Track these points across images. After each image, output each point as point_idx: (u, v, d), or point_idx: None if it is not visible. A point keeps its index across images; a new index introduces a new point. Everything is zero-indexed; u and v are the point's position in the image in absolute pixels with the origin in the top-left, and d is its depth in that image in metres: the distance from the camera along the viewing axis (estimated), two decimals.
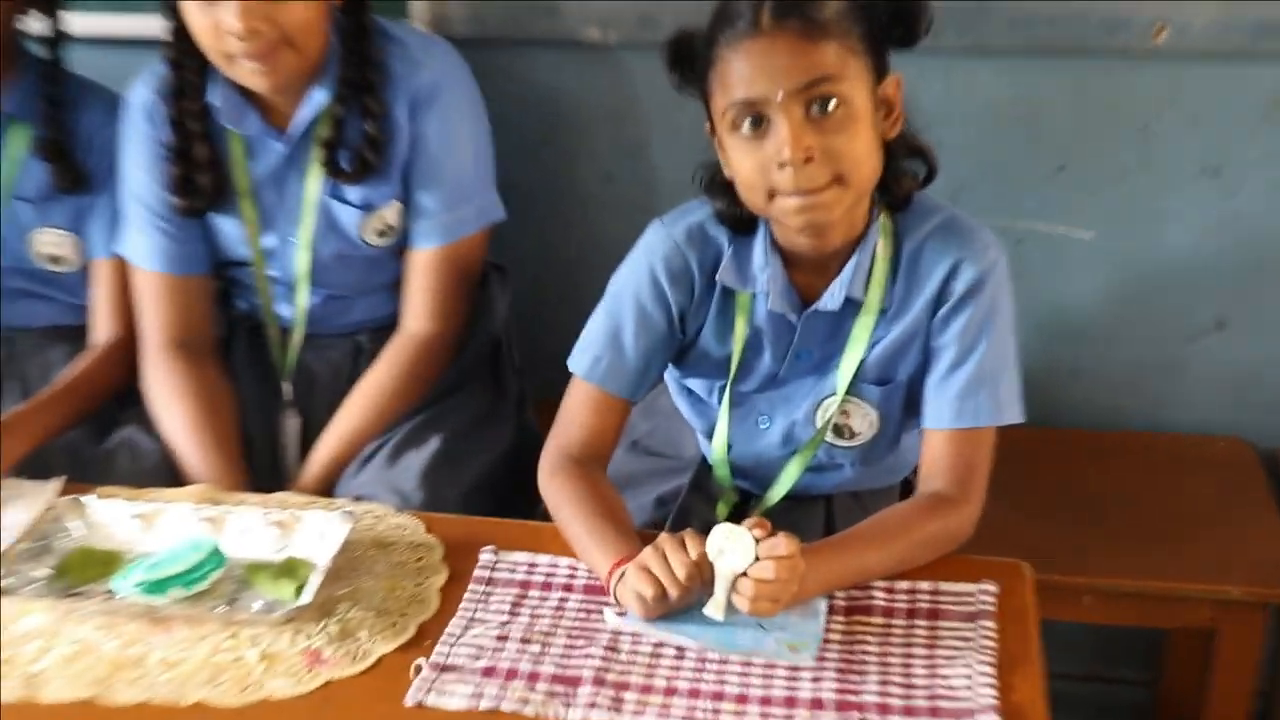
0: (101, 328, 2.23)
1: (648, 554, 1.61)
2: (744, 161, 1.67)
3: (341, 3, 2.02)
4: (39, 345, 2.28)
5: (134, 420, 2.15)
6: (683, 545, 1.60)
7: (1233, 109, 2.28)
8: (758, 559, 1.56)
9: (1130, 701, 2.74)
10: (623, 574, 1.64)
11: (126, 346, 2.22)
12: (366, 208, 2.11)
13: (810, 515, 1.97)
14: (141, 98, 2.11)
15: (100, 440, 2.15)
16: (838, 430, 1.87)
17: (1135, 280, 2.41)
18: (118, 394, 2.21)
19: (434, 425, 2.09)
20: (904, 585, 1.72)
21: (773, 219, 1.74)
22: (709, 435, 1.97)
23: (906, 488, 2.08)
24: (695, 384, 1.95)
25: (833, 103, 1.60)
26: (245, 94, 2.06)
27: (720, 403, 1.91)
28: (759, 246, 1.79)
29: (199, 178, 2.09)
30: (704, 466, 2.03)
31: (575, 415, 1.88)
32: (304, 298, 2.17)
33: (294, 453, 2.19)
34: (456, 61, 2.12)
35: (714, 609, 1.59)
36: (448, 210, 2.12)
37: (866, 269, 1.76)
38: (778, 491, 1.94)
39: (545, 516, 1.95)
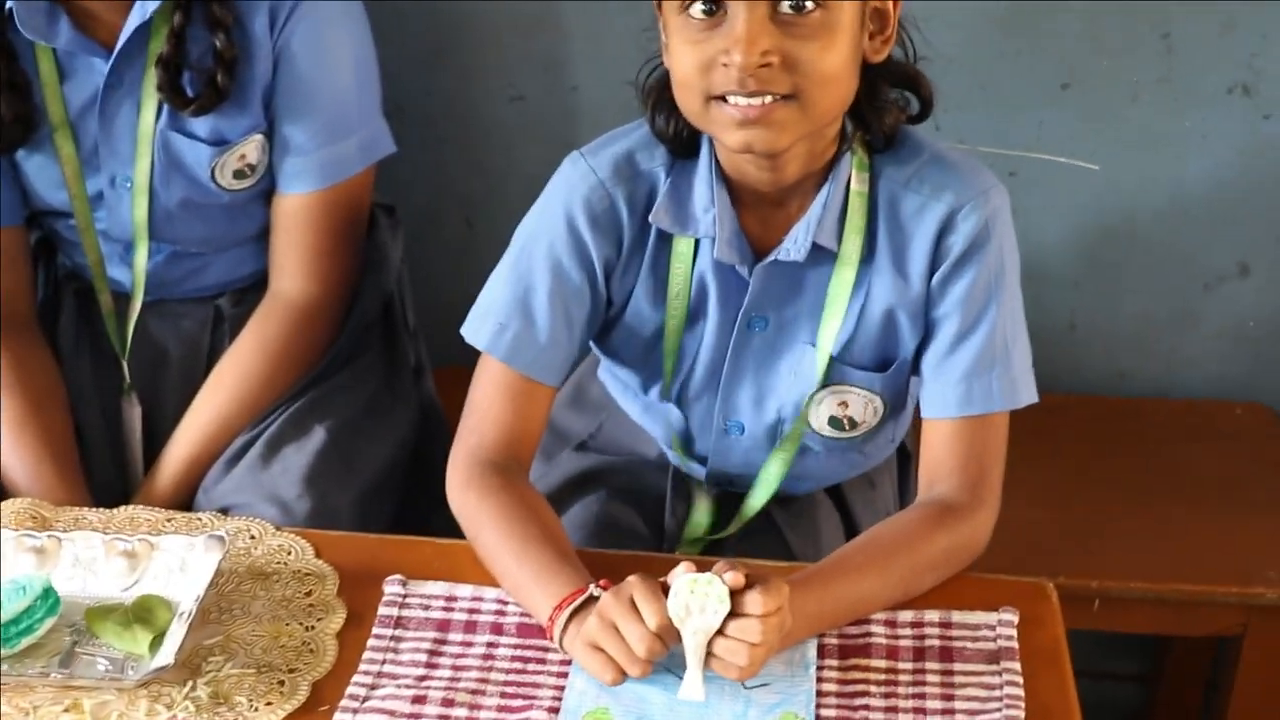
0: None
1: (595, 628, 1.43)
2: (685, 53, 1.48)
3: None
4: None
5: None
6: (635, 610, 1.41)
7: (1270, 12, 2.16)
8: (732, 614, 1.39)
9: (1121, 700, 2.69)
10: (568, 617, 1.48)
11: None
12: (219, 143, 1.91)
13: (825, 512, 1.87)
14: None
15: None
16: (836, 423, 1.72)
17: (1146, 219, 2.31)
18: None
19: (317, 412, 1.93)
20: (907, 617, 1.58)
21: (713, 137, 1.57)
22: (670, 445, 1.83)
23: (902, 452, 2.00)
24: (628, 377, 1.80)
25: (810, 3, 1.43)
26: None
27: (667, 402, 1.77)
28: (701, 179, 1.61)
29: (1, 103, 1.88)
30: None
31: (487, 408, 1.69)
32: (143, 255, 1.98)
33: (138, 450, 2.01)
34: None
35: (692, 691, 1.42)
36: (324, 145, 1.93)
37: (839, 210, 1.60)
38: (759, 498, 1.79)
39: (451, 521, 1.77)
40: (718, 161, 1.60)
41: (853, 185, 1.60)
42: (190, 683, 1.48)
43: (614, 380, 1.85)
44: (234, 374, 1.93)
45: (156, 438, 1.98)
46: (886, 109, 1.58)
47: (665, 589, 1.42)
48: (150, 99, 1.88)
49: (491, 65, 2.24)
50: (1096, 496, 2.21)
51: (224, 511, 1.78)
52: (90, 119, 1.90)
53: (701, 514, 1.84)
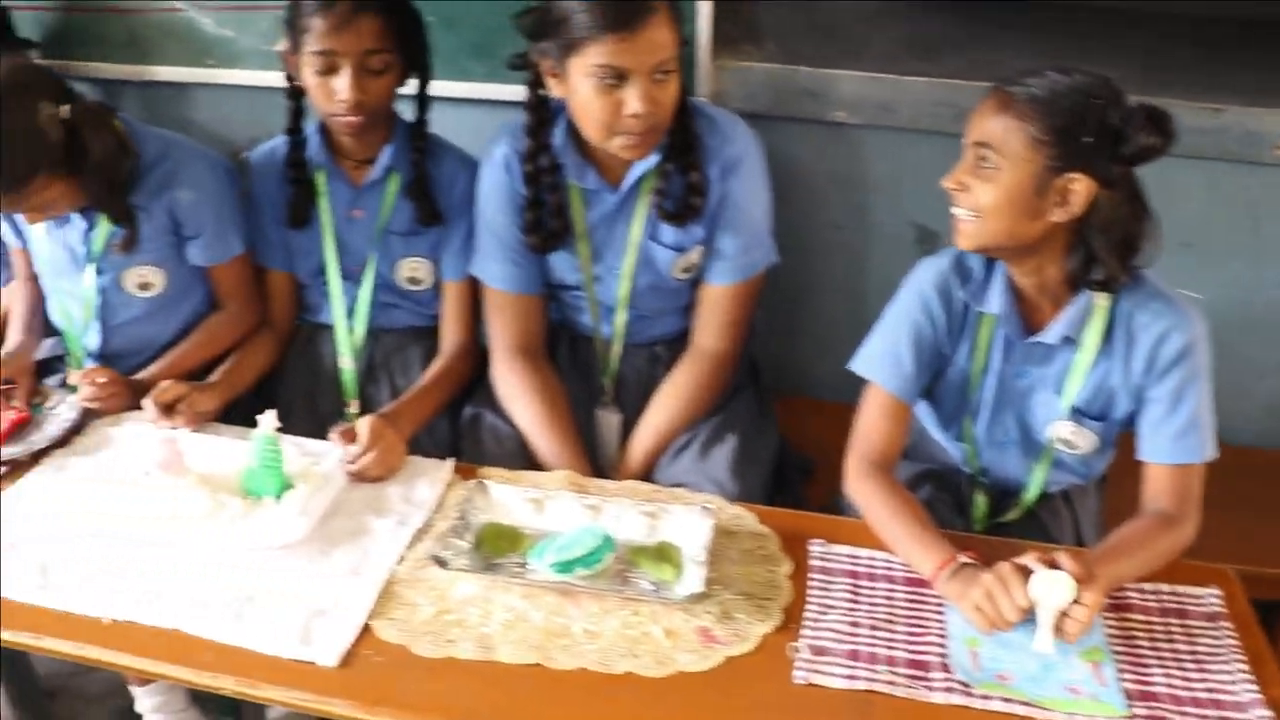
0: (451, 334, 2.02)
1: (979, 596, 1.40)
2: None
3: None
4: (400, 343, 2.06)
5: (481, 404, 1.94)
6: (1007, 590, 1.39)
7: None
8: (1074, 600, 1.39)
9: None
10: (948, 575, 1.46)
11: (471, 349, 2.02)
12: (678, 249, 1.88)
13: (1059, 508, 1.80)
14: (503, 154, 1.87)
15: (454, 420, 1.95)
16: (1066, 443, 1.69)
17: (1232, 327, 2.17)
18: (467, 385, 2.00)
19: (729, 425, 1.87)
20: (1149, 587, 1.55)
21: None
22: (964, 460, 1.78)
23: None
24: (934, 414, 1.77)
25: (987, 160, 1.48)
26: (585, 154, 1.83)
27: (962, 434, 1.74)
28: (998, 280, 1.61)
29: (549, 221, 1.86)
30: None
31: (870, 423, 1.67)
32: (622, 317, 1.94)
33: (614, 442, 1.96)
34: (753, 135, 1.88)
35: (1044, 645, 1.40)
36: (743, 254, 1.88)
37: (1082, 316, 1.58)
38: (1032, 494, 1.75)
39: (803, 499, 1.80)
40: (1008, 269, 1.60)
41: (1097, 301, 1.57)
42: (705, 602, 1.46)
43: (925, 415, 1.80)
44: (674, 397, 1.88)
45: (626, 434, 1.94)
46: (1098, 261, 1.52)
47: (1023, 570, 1.40)
48: (639, 219, 1.85)
49: (819, 205, 2.20)
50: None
51: (678, 486, 1.75)
52: (599, 230, 1.88)
53: (981, 504, 1.78)
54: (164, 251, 1.95)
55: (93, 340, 2.00)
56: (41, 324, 2.08)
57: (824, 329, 2.13)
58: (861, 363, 1.68)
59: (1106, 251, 1.51)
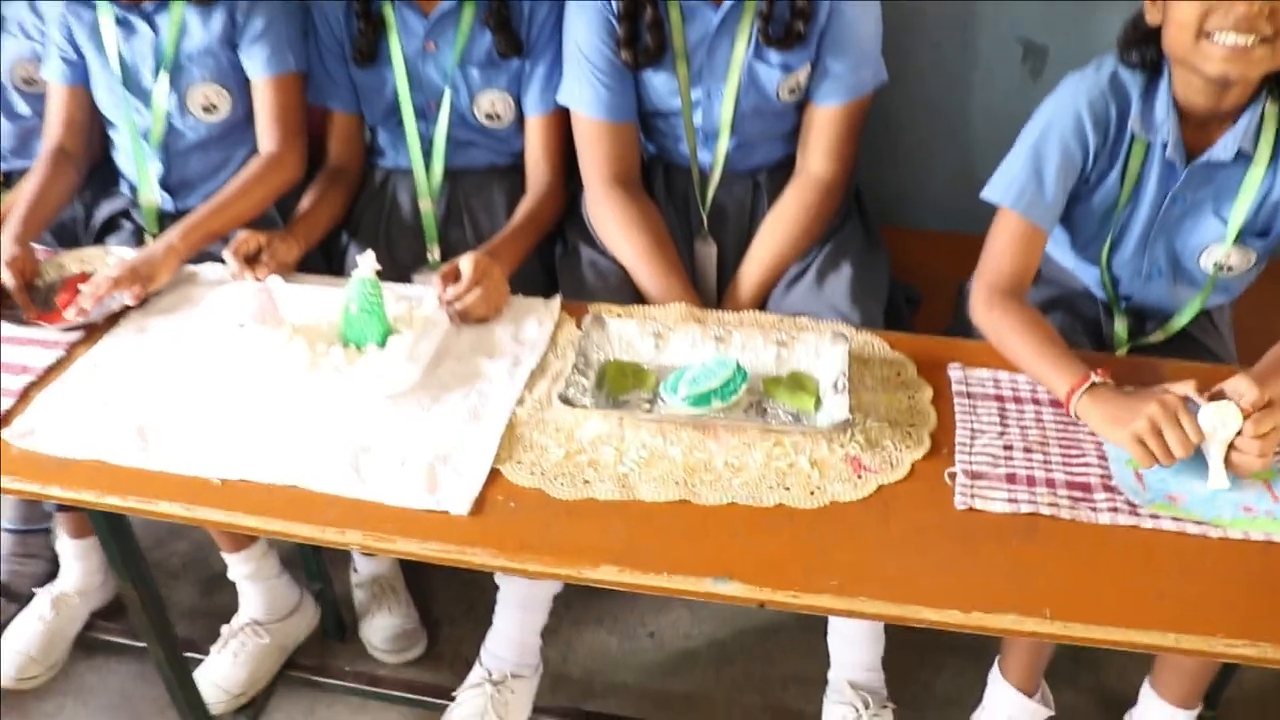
0: (538, 172, 1.92)
1: (1144, 429, 1.30)
2: (1190, 4, 1.37)
3: None
4: (480, 183, 1.96)
5: (575, 238, 1.87)
6: (1177, 422, 1.29)
7: None
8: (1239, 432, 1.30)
9: None
10: (1081, 395, 1.38)
11: (561, 187, 1.93)
12: (785, 69, 1.77)
13: (1205, 325, 1.72)
14: None
15: (543, 260, 1.89)
16: (1224, 266, 1.60)
17: None
18: (556, 222, 1.91)
19: (841, 253, 1.79)
20: None
21: (1189, 64, 1.42)
22: (1100, 287, 1.69)
23: None
24: (1066, 238, 1.68)
25: None
26: None
27: (1097, 260, 1.65)
28: (1161, 100, 1.49)
29: (645, 36, 1.74)
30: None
31: (1002, 250, 1.57)
32: (724, 144, 1.83)
33: (711, 275, 1.88)
34: None
35: (1219, 481, 1.31)
36: (852, 73, 1.77)
37: (1256, 127, 1.48)
38: (1184, 319, 1.67)
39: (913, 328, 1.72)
40: (1172, 88, 1.49)
41: (1267, 110, 1.48)
42: (850, 431, 1.40)
43: (1055, 239, 1.71)
44: (784, 225, 1.79)
45: (722, 266, 1.88)
46: None
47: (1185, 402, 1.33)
48: (743, 37, 1.73)
49: (915, 22, 2.04)
50: None
51: (796, 315, 1.66)
52: (699, 50, 1.76)
53: (1121, 331, 1.70)
54: (225, 69, 1.89)
55: (155, 169, 1.94)
56: (51, 215, 1.89)
57: (921, 154, 2.00)
58: (998, 189, 1.57)
59: None
